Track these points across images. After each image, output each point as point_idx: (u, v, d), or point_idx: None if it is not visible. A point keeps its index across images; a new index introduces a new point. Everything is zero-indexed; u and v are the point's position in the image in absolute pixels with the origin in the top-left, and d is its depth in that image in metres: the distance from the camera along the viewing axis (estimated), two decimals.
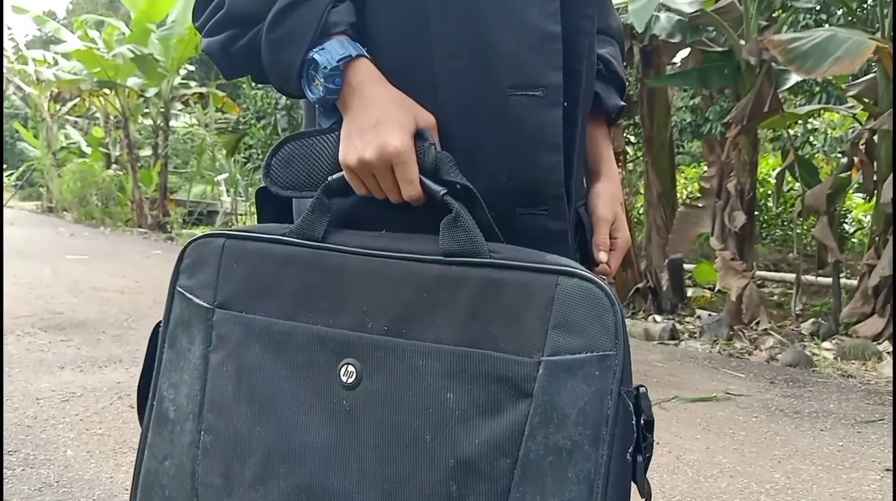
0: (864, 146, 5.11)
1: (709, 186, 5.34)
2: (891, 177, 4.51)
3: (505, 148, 0.78)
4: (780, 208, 8.52)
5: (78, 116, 17.73)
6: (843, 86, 5.56)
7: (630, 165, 8.24)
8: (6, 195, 18.64)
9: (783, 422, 3.24)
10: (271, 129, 10.87)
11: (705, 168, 6.65)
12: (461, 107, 0.78)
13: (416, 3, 0.78)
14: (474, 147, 0.78)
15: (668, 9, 5.10)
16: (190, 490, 0.77)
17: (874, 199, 5.06)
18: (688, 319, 5.52)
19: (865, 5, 5.77)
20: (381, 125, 0.74)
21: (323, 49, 0.75)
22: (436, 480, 0.68)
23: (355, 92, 0.76)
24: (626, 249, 0.94)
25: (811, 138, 7.80)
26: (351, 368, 0.72)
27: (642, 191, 6.92)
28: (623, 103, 0.97)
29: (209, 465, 0.77)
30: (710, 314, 5.30)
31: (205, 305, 0.80)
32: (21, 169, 19.96)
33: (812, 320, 5.11)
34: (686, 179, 10.16)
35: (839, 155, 7.38)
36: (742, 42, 5.04)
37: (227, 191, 13.52)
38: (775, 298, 6.49)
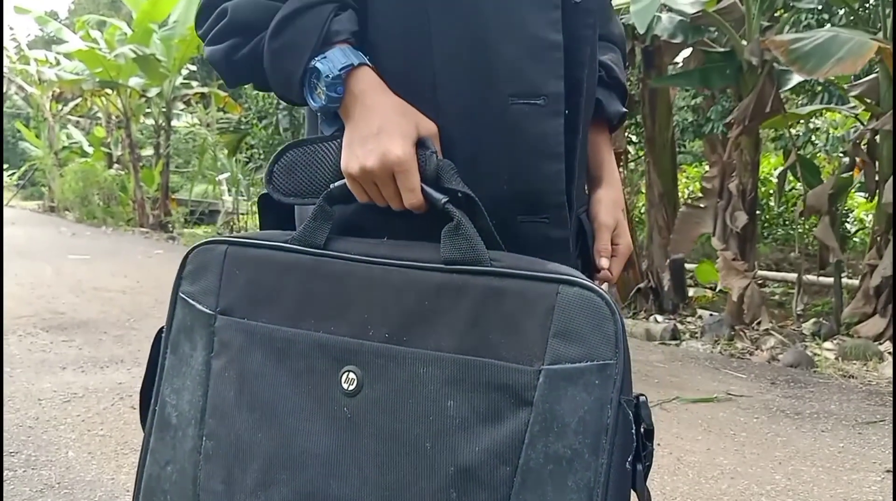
0: (865, 146, 5.11)
1: (710, 186, 5.34)
2: (892, 177, 4.51)
3: (506, 156, 0.79)
4: (781, 208, 8.52)
5: (80, 116, 17.76)
6: (845, 86, 5.56)
7: (632, 165, 8.24)
8: (8, 195, 18.67)
9: (784, 423, 3.24)
10: (273, 129, 10.88)
11: (707, 168, 6.65)
12: (462, 112, 0.78)
13: (417, 6, 0.78)
14: (475, 155, 0.79)
15: (670, 9, 5.10)
16: (192, 496, 0.78)
17: (876, 199, 5.07)
18: (689, 319, 5.52)
19: (867, 6, 5.77)
20: (382, 134, 0.74)
21: (325, 58, 0.75)
22: (436, 487, 0.68)
23: (357, 100, 0.76)
24: (628, 255, 0.94)
25: (813, 138, 7.81)
26: (352, 375, 0.73)
27: (644, 191, 6.92)
28: (625, 110, 0.98)
29: (211, 471, 0.77)
30: (711, 314, 5.30)
31: (207, 311, 0.80)
32: (23, 169, 20.01)
33: (813, 320, 5.11)
34: (688, 178, 10.17)
35: (841, 155, 7.38)
36: (744, 42, 5.03)
37: (229, 190, 13.54)
38: (777, 298, 6.49)
